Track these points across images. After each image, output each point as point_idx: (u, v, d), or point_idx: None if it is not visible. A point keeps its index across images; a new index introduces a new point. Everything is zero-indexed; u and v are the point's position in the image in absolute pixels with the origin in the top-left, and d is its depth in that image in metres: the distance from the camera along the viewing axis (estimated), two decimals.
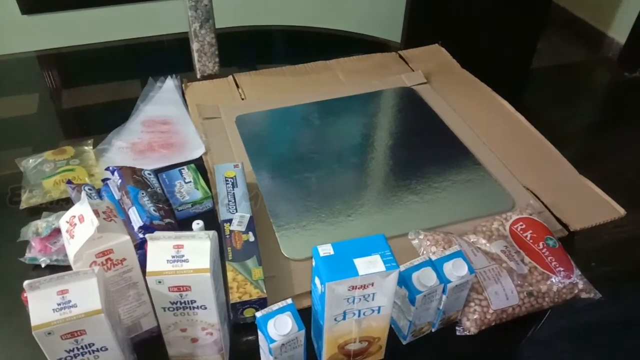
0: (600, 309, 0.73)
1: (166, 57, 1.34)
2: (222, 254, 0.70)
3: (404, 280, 0.63)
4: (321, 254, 0.56)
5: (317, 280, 0.57)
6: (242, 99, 1.12)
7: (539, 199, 0.88)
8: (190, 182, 0.86)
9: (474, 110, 1.08)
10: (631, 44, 2.52)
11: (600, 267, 0.79)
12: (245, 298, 0.67)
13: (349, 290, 0.55)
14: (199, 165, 0.92)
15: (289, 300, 0.60)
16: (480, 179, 0.92)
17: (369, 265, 0.55)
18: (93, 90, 1.19)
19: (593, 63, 2.64)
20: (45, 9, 1.95)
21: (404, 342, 0.69)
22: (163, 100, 1.11)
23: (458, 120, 1.06)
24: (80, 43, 1.34)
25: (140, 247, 0.72)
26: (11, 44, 1.78)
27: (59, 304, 0.52)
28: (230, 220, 0.76)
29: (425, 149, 0.99)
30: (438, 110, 1.08)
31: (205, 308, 0.58)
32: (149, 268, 0.56)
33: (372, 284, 0.55)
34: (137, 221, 0.75)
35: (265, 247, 0.78)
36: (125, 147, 0.98)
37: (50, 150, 0.95)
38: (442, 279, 0.64)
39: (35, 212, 0.84)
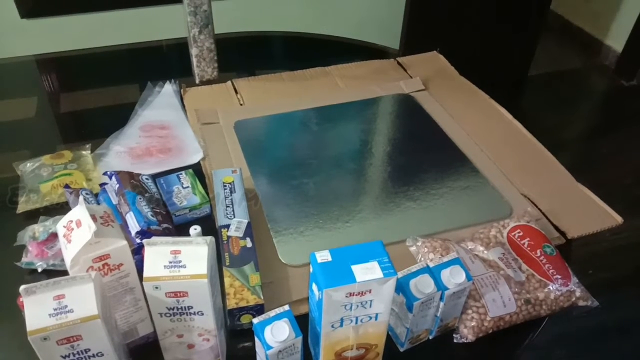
0: (597, 315, 0.73)
1: (165, 62, 1.35)
2: (219, 260, 0.69)
3: (401, 287, 0.63)
4: (319, 260, 0.56)
5: (314, 287, 0.57)
6: (241, 105, 1.12)
7: (536, 206, 0.89)
8: (188, 187, 0.86)
9: (471, 117, 1.09)
10: (628, 52, 2.54)
11: (598, 274, 0.79)
12: (243, 304, 0.67)
13: (346, 296, 0.55)
14: (197, 171, 0.92)
15: (286, 307, 0.60)
16: (477, 185, 0.93)
17: (367, 271, 0.55)
18: (91, 94, 1.19)
19: (590, 70, 2.66)
20: (44, 13, 1.96)
21: (401, 349, 0.68)
22: (161, 105, 1.11)
23: (456, 127, 1.06)
24: (79, 47, 1.34)
25: (138, 252, 0.72)
26: (10, 48, 1.78)
27: (55, 309, 0.51)
28: (227, 226, 0.76)
29: (423, 155, 1.00)
30: (436, 117, 1.08)
31: (202, 314, 0.58)
32: (146, 273, 0.56)
33: (370, 291, 0.55)
34: (134, 226, 0.75)
35: (263, 253, 0.78)
36: (123, 152, 0.98)
37: (48, 154, 0.95)
38: (440, 286, 0.64)
39: (32, 216, 0.83)
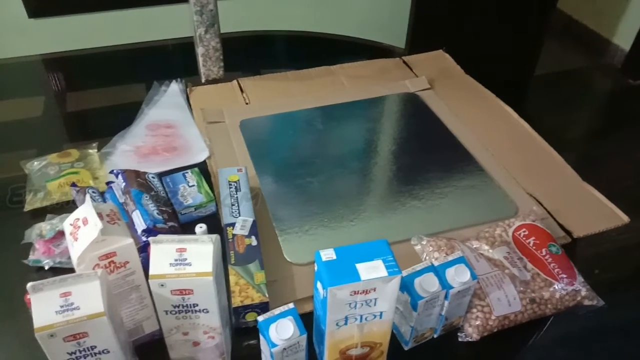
0: (603, 316, 0.73)
1: (171, 61, 1.35)
2: (224, 258, 0.70)
3: (406, 286, 0.63)
4: (323, 259, 0.56)
5: (319, 285, 0.57)
6: (246, 104, 1.12)
7: (542, 205, 0.88)
8: (193, 185, 0.86)
9: (477, 116, 1.08)
10: (635, 51, 2.52)
11: (603, 274, 0.79)
12: (247, 302, 0.67)
13: (350, 295, 0.55)
14: (203, 169, 0.92)
15: (291, 305, 0.60)
16: (483, 185, 0.92)
17: (371, 270, 0.55)
18: (98, 93, 1.19)
19: (597, 69, 2.64)
20: (51, 12, 1.97)
21: (406, 348, 0.68)
22: (167, 104, 1.12)
23: (461, 126, 1.06)
24: (86, 47, 1.35)
25: (144, 250, 0.72)
26: (18, 47, 1.79)
27: (61, 306, 0.52)
28: (233, 224, 0.77)
29: (428, 154, 1.00)
30: (441, 116, 1.08)
31: (208, 312, 0.59)
32: (151, 271, 0.56)
33: (374, 289, 0.55)
34: (140, 224, 0.75)
35: (268, 251, 0.78)
36: (129, 151, 0.99)
37: (55, 153, 0.95)
38: (445, 284, 0.64)
39: (39, 214, 0.84)
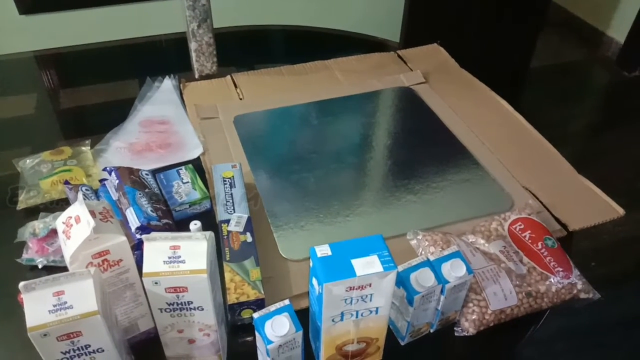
0: (599, 309, 0.73)
1: (164, 57, 1.34)
2: (219, 255, 0.69)
3: (402, 281, 0.63)
4: (319, 255, 0.56)
5: (314, 281, 0.57)
6: (240, 99, 1.12)
7: (537, 198, 0.88)
8: (188, 182, 0.86)
9: (472, 110, 1.08)
10: (630, 43, 2.52)
11: (600, 267, 0.79)
12: (243, 299, 0.67)
13: (346, 291, 0.55)
14: (197, 166, 0.91)
15: (287, 301, 0.60)
16: (478, 178, 0.92)
17: (367, 265, 0.54)
18: (91, 90, 1.19)
19: (592, 62, 2.64)
20: (43, 9, 1.95)
21: (402, 343, 0.68)
22: (161, 100, 1.11)
23: (457, 120, 1.06)
24: (78, 43, 1.34)
25: (138, 247, 0.72)
26: (9, 44, 1.78)
27: (54, 306, 0.51)
28: (228, 221, 0.76)
29: (424, 148, 0.99)
30: (437, 110, 1.08)
31: (202, 309, 0.58)
32: (145, 269, 0.56)
33: (370, 285, 0.55)
34: (134, 222, 0.75)
35: (263, 248, 0.77)
36: (122, 148, 0.98)
37: (47, 151, 0.95)
38: (440, 279, 0.64)
39: (33, 212, 0.83)
